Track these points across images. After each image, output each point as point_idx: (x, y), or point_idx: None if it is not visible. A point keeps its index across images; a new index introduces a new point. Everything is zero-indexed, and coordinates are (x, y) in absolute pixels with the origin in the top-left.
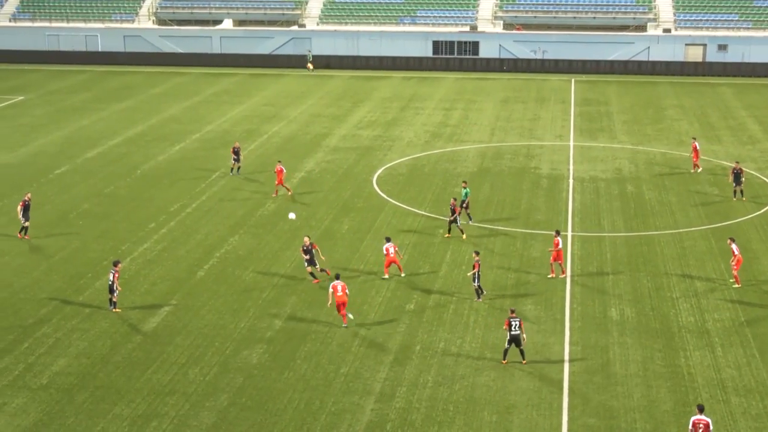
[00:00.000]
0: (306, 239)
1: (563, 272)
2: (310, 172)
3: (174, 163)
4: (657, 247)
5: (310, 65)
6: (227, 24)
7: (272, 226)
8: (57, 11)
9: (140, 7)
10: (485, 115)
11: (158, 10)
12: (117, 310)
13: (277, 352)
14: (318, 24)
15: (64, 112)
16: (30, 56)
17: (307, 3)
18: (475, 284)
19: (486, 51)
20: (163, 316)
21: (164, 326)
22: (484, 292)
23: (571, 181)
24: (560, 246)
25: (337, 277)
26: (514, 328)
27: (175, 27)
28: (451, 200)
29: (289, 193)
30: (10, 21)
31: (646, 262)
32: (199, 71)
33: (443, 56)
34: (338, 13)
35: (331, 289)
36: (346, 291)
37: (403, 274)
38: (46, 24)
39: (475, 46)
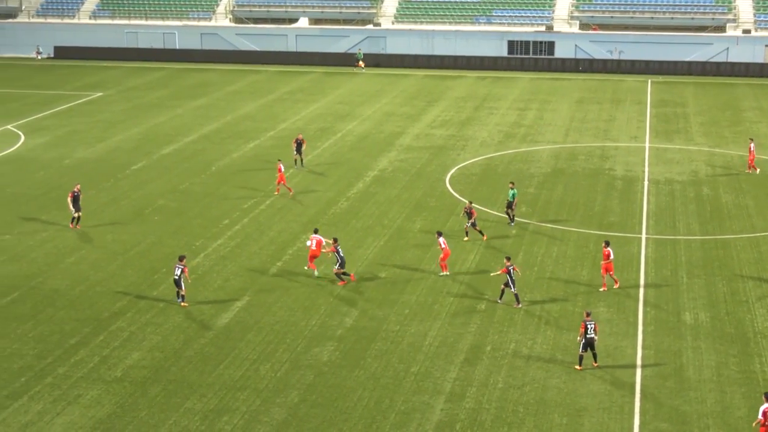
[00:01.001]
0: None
1: (616, 283)
2: (383, 170)
3: (248, 160)
4: (733, 251)
5: (361, 63)
6: (303, 22)
7: (344, 224)
8: (136, 9)
9: (217, 6)
10: (560, 116)
11: (235, 9)
12: (185, 304)
13: (347, 350)
14: (393, 23)
15: (142, 109)
16: (109, 53)
17: (382, 1)
18: (513, 290)
19: (561, 51)
20: (236, 312)
21: (236, 322)
22: (519, 303)
23: (646, 183)
24: (611, 257)
25: (315, 231)
26: (590, 331)
27: (252, 25)
28: (467, 203)
29: (290, 192)
30: (90, 18)
31: (722, 266)
32: (275, 69)
33: (518, 56)
34: (413, 12)
35: (308, 242)
36: (322, 246)
37: (445, 273)
38: (125, 21)
39: (551, 46)
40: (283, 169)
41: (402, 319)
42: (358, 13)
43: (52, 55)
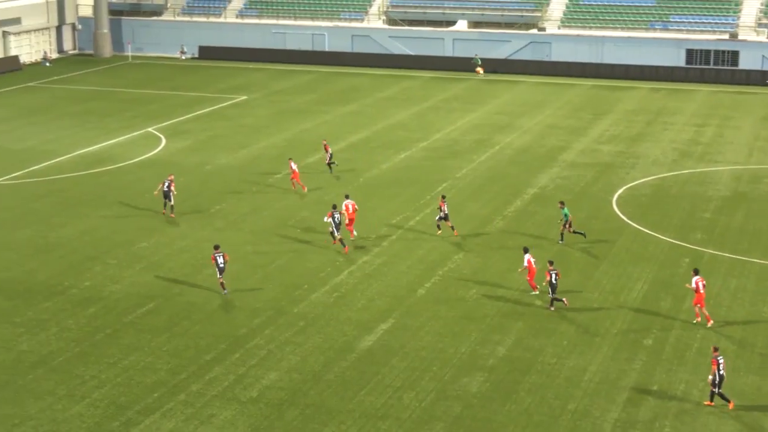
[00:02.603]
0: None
1: (708, 320)
2: (543, 188)
3: (398, 172)
4: None
5: (479, 69)
6: (461, 25)
7: (499, 245)
8: (285, 8)
9: (370, 6)
10: (743, 134)
11: (389, 9)
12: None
13: (498, 382)
14: (559, 27)
15: (287, 114)
16: (255, 54)
17: (548, 4)
18: (551, 295)
19: (747, 62)
20: (380, 334)
21: (380, 346)
22: (555, 306)
23: None
24: (701, 289)
25: (347, 197)
26: (722, 367)
27: (406, 27)
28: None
29: (304, 190)
30: (237, 17)
31: None
32: (429, 75)
33: (697, 66)
34: (582, 16)
35: (343, 209)
36: (356, 207)
37: (535, 293)
38: (273, 21)
39: (734, 55)
40: (295, 167)
41: (559, 351)
42: (521, 16)
43: (196, 55)
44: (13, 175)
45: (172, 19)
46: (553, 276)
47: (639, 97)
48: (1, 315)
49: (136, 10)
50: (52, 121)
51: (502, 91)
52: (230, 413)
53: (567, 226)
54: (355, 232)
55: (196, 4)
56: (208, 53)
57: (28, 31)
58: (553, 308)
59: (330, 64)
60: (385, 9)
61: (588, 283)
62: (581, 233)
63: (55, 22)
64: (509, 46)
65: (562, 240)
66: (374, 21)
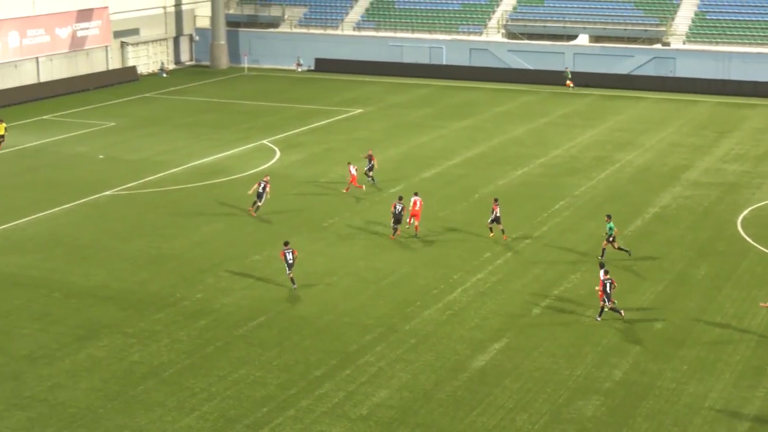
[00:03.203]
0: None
1: None
2: (665, 207)
3: (515, 189)
4: None
5: (569, 83)
6: (582, 40)
7: (617, 264)
8: (402, 21)
9: (489, 19)
10: None
11: (508, 23)
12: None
13: (615, 406)
14: (684, 43)
15: (402, 128)
16: (371, 67)
17: (673, 19)
18: (607, 304)
19: None
20: (493, 354)
21: (493, 365)
22: (605, 313)
23: None
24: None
25: (416, 194)
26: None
27: (526, 41)
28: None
29: (362, 188)
30: (353, 30)
31: None
32: (548, 90)
33: None
34: (708, 31)
35: (411, 205)
36: (422, 204)
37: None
38: (390, 34)
39: None
40: (354, 171)
41: (679, 376)
42: (645, 31)
43: (312, 68)
44: (128, 185)
45: (289, 30)
46: (608, 285)
47: (767, 115)
48: (114, 325)
49: (253, 22)
50: (168, 132)
51: (624, 107)
52: (339, 430)
53: (611, 240)
54: (419, 228)
55: (313, 16)
56: (324, 65)
57: (145, 42)
58: (600, 318)
59: (447, 77)
60: (504, 22)
61: (710, 306)
62: (626, 250)
63: (172, 33)
64: (632, 61)
65: (602, 256)
66: (493, 34)
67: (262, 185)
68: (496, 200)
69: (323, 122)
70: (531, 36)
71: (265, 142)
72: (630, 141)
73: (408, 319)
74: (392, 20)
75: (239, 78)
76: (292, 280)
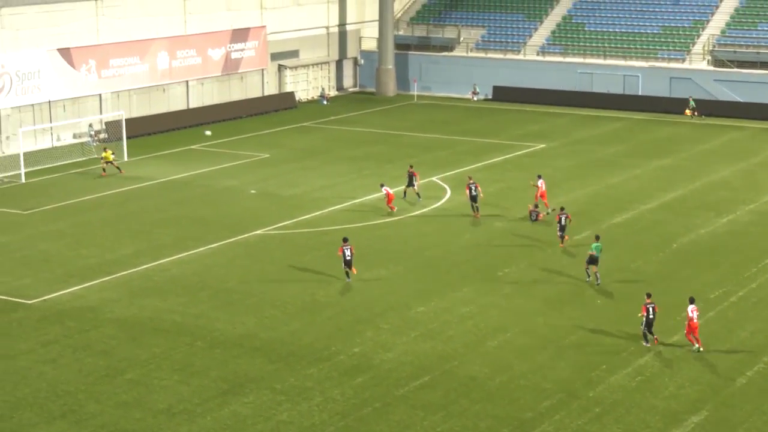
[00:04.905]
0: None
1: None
2: None
3: (719, 238)
4: None
5: (688, 111)
6: None
7: None
8: (593, 46)
9: (693, 44)
10: None
11: (715, 49)
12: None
13: None
14: None
15: (591, 167)
16: (556, 97)
17: None
18: (642, 327)
19: None
20: (690, 428)
21: None
22: (649, 339)
23: None
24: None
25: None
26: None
27: (735, 70)
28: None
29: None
30: (537, 54)
31: None
32: (760, 126)
33: None
34: None
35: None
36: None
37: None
38: (579, 60)
39: None
40: (388, 190)
41: None
42: None
43: (489, 96)
44: (282, 224)
45: (465, 54)
46: (651, 310)
47: None
48: (262, 379)
49: (424, 45)
50: (327, 166)
51: None
52: None
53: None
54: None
55: (491, 39)
56: (502, 94)
57: (305, 66)
58: (648, 344)
59: (643, 110)
60: (710, 48)
61: None
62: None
63: (335, 56)
64: None
65: (588, 278)
66: (697, 62)
67: (472, 187)
68: (562, 208)
69: (500, 158)
70: (741, 64)
71: (434, 179)
72: None
73: (592, 384)
74: (581, 44)
75: (408, 107)
76: (347, 273)
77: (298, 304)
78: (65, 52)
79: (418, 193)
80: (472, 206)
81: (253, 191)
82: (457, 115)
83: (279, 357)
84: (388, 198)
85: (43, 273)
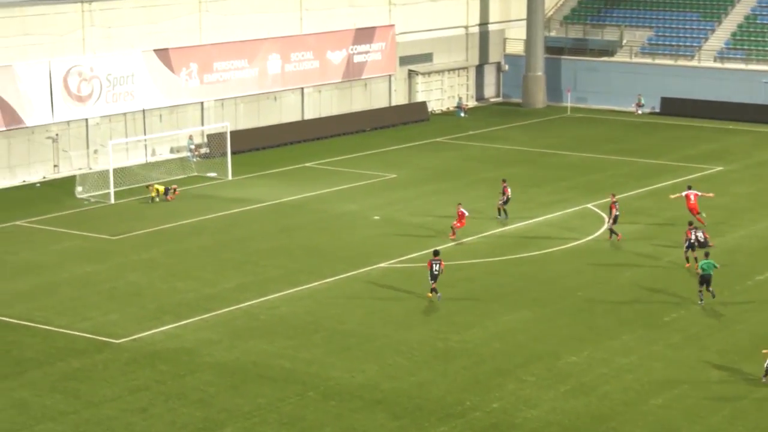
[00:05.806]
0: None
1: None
2: None
3: None
4: None
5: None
6: None
7: None
8: None
9: None
10: None
11: None
12: (430, 295)
13: None
14: None
15: None
16: (737, 111)
17: None
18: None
19: None
20: None
21: None
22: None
23: None
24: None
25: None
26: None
27: None
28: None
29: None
30: (714, 61)
31: None
32: None
33: None
34: None
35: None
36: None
37: None
38: (764, 68)
39: None
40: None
41: None
42: None
43: (657, 110)
44: (409, 255)
45: (628, 60)
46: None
47: None
48: None
49: (580, 48)
50: (463, 189)
51: None
52: None
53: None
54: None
55: (660, 42)
56: (672, 107)
57: (440, 72)
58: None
59: None
60: None
61: None
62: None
63: (474, 60)
64: None
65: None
66: None
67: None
68: (690, 223)
69: (669, 182)
70: None
71: (589, 206)
72: None
73: None
74: (767, 49)
75: (559, 121)
76: (434, 290)
77: (428, 350)
78: (163, 54)
79: (504, 210)
80: (611, 229)
81: (376, 217)
82: (617, 131)
83: (405, 412)
84: (459, 218)
85: (132, 308)
